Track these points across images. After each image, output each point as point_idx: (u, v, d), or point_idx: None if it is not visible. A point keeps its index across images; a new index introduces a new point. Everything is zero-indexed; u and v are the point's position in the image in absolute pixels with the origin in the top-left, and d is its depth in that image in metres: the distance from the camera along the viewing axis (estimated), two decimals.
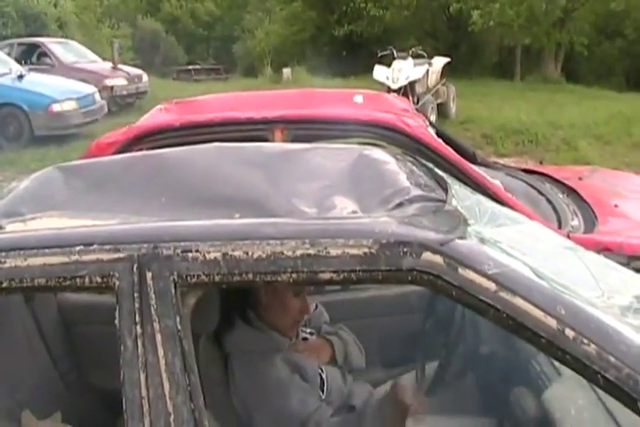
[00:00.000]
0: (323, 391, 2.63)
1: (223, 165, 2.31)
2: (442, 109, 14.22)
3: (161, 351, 1.73)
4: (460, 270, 1.73)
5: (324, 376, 2.65)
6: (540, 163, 6.90)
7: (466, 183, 3.47)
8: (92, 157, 3.86)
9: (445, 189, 2.24)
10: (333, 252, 1.74)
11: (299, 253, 1.74)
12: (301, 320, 2.68)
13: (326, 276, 1.75)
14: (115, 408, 2.76)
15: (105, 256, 1.78)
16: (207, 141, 2.66)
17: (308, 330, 2.84)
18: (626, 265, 2.67)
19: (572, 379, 2.31)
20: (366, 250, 1.74)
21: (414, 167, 2.50)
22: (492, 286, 1.72)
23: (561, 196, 4.87)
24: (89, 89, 14.50)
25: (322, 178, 2.25)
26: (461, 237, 1.81)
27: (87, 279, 1.78)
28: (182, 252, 1.75)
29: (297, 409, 2.48)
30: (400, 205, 1.98)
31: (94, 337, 3.23)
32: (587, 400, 2.27)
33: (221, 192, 2.13)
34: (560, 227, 4.21)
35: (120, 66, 18.48)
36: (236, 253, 1.74)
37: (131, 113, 14.36)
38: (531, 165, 6.43)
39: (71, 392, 3.15)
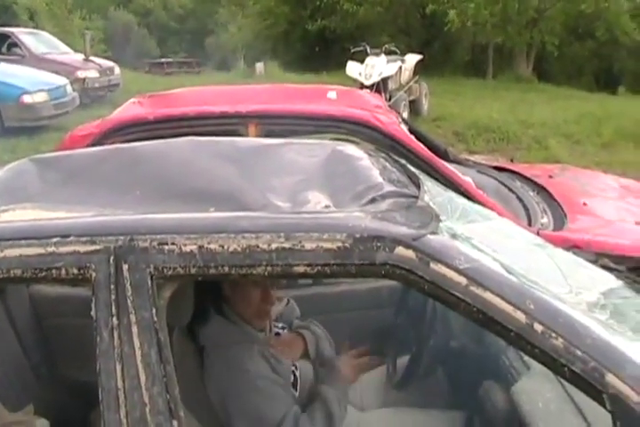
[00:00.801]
0: (296, 389, 2.65)
1: (197, 158, 2.32)
2: (414, 106, 14.26)
3: (137, 343, 1.74)
4: (432, 265, 1.76)
5: (297, 374, 2.67)
6: (511, 161, 6.94)
7: (438, 180, 3.50)
8: (65, 149, 3.86)
9: (418, 186, 2.27)
10: (308, 246, 1.76)
11: (274, 246, 1.76)
12: (267, 311, 2.68)
13: (300, 269, 1.77)
14: (88, 400, 2.78)
15: (81, 248, 1.79)
16: (181, 135, 2.66)
17: (280, 324, 2.86)
18: (594, 262, 2.71)
19: (541, 373, 2.35)
20: (340, 244, 1.76)
21: (387, 163, 2.52)
22: (462, 280, 1.75)
23: (531, 193, 4.92)
24: (60, 81, 14.37)
25: (295, 173, 2.26)
26: (433, 233, 1.84)
27: (63, 271, 1.79)
28: (158, 244, 1.77)
29: (269, 410, 2.50)
30: (373, 200, 2.00)
31: (66, 330, 3.23)
32: (554, 393, 2.31)
33: (196, 186, 2.14)
34: (530, 224, 4.26)
35: (92, 58, 18.34)
36: (212, 246, 1.76)
37: (103, 106, 14.28)
38: (501, 163, 6.45)
39: (43, 385, 3.15)
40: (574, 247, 3.64)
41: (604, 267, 2.69)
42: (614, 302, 2.14)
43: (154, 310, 1.76)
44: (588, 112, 14.18)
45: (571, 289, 2.00)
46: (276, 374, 2.56)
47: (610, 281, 2.42)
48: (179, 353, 2.08)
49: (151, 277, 1.76)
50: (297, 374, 2.67)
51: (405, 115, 11.70)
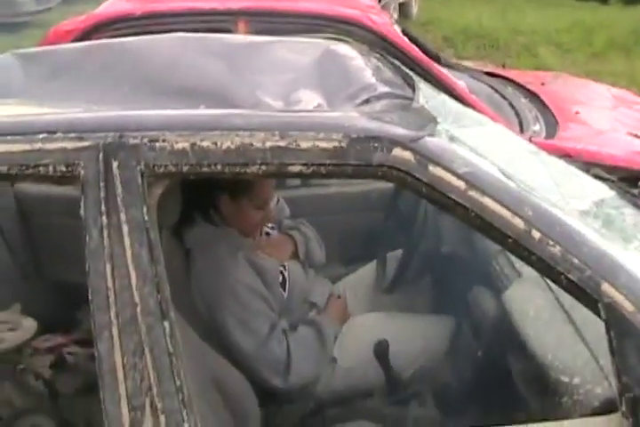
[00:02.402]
0: (285, 289, 2.65)
1: (186, 55, 2.25)
2: (403, 9, 13.97)
3: (127, 242, 1.70)
4: (430, 168, 1.71)
5: (285, 275, 2.68)
6: (503, 67, 6.83)
7: (431, 83, 3.44)
8: (49, 44, 3.76)
9: (412, 87, 2.21)
10: (303, 145, 1.70)
11: (268, 144, 1.70)
12: (263, 226, 2.69)
13: (296, 168, 1.72)
14: (75, 300, 2.78)
15: (69, 145, 1.72)
16: (168, 32, 2.59)
17: (270, 224, 2.85)
18: (585, 172, 2.68)
19: (532, 280, 2.35)
20: (336, 144, 1.71)
21: (381, 64, 2.46)
22: (461, 184, 1.70)
23: (523, 100, 4.87)
24: None
25: (287, 71, 2.20)
26: (431, 135, 1.79)
27: (51, 168, 1.72)
28: (149, 141, 1.70)
29: (253, 324, 2.51)
30: (367, 101, 1.94)
31: (53, 229, 3.22)
32: (545, 301, 2.31)
33: (185, 83, 2.07)
34: (522, 131, 4.23)
35: None
36: (205, 144, 1.70)
37: (87, 2, 13.81)
38: (493, 69, 6.34)
39: (30, 284, 3.14)
40: (565, 156, 3.61)
41: (596, 176, 2.67)
42: (606, 211, 2.13)
43: (144, 209, 1.71)
44: (580, 21, 13.93)
45: (563, 197, 1.97)
46: (261, 279, 2.56)
47: (602, 191, 2.41)
48: (166, 254, 2.05)
49: (142, 175, 1.70)
50: (285, 274, 2.68)
51: (395, 17, 11.47)
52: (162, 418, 1.68)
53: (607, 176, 2.76)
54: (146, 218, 1.71)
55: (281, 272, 2.67)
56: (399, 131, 1.76)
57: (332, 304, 2.83)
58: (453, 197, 1.71)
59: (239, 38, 2.70)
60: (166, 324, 1.71)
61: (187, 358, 1.75)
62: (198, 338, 2.23)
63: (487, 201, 1.70)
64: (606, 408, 1.79)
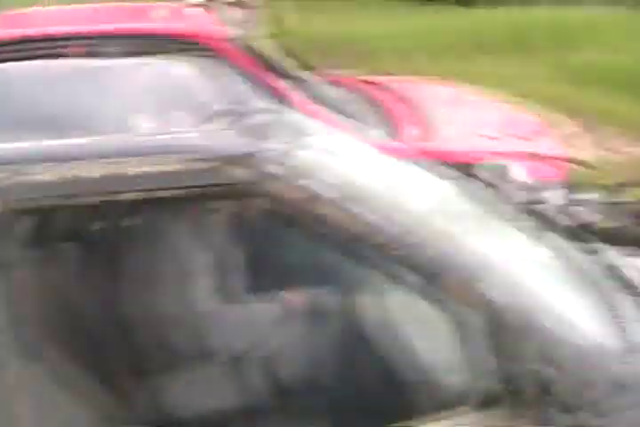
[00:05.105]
0: None
1: (46, 82, 2.18)
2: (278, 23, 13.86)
3: None
4: (302, 181, 1.71)
5: None
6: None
7: (270, 95, 3.47)
8: None
9: (274, 102, 2.23)
10: (175, 167, 1.68)
11: (138, 171, 1.66)
12: None
13: (168, 193, 1.69)
14: None
15: None
16: (20, 59, 2.51)
17: None
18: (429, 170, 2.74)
19: None
20: (205, 165, 1.69)
21: (228, 81, 2.46)
22: (335, 195, 1.72)
23: (366, 105, 4.96)
24: None
25: (150, 93, 2.15)
26: (302, 148, 1.80)
27: None
28: (13, 175, 1.64)
29: None
30: (233, 117, 1.93)
31: None
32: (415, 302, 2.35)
33: (48, 111, 1.98)
34: (366, 135, 4.29)
35: None
36: (71, 174, 1.65)
37: None
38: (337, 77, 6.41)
39: None
40: (410, 156, 3.70)
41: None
42: (455, 208, 2.18)
43: (9, 246, 1.64)
44: (444, 24, 14.09)
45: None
46: None
47: (445, 187, 2.46)
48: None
49: (5, 211, 1.64)
50: None
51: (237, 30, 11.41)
52: None
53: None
54: (10, 256, 1.64)
55: None
56: (269, 146, 1.76)
57: None
58: (326, 209, 1.72)
59: (75, 63, 2.64)
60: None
61: None
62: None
63: (358, 211, 1.73)
64: (487, 403, 1.83)
